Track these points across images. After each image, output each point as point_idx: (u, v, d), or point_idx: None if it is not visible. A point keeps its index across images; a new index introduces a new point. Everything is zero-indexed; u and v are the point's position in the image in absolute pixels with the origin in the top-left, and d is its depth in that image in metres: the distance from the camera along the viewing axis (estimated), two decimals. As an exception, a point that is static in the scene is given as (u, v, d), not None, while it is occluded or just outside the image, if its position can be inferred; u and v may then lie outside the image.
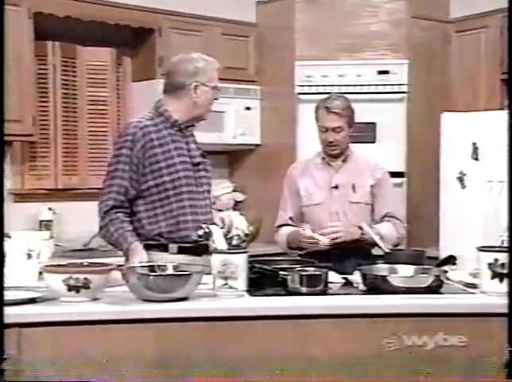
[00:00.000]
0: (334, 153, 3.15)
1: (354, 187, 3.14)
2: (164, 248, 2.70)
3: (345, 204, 3.13)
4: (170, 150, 2.73)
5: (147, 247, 2.67)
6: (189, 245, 2.69)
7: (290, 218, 3.22)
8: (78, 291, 2.08)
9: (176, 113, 2.76)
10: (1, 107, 1.98)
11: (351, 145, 3.21)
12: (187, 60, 2.77)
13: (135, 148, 2.68)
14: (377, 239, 2.92)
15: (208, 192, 2.83)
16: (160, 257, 2.63)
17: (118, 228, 2.65)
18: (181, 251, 2.70)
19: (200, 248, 2.64)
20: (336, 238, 3.00)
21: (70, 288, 2.07)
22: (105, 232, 2.69)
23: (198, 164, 2.79)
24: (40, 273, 2.25)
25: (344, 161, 3.19)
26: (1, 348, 1.90)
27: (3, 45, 2.00)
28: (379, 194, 3.17)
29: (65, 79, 4.25)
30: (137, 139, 2.68)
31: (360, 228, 3.02)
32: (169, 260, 2.51)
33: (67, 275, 2.08)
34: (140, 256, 2.59)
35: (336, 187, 3.14)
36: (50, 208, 4.10)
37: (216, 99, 2.77)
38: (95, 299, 2.12)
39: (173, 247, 2.71)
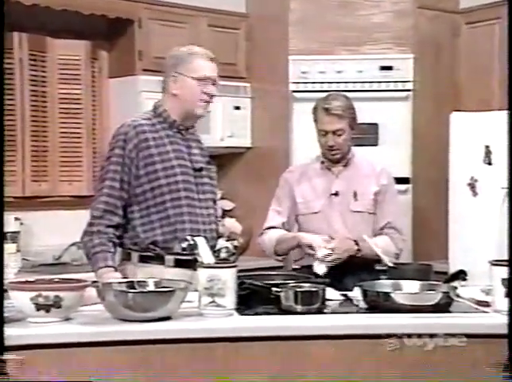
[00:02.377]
0: (335, 158, 3.17)
1: (355, 194, 3.15)
2: (160, 260, 2.71)
3: (345, 213, 3.14)
4: (168, 151, 2.75)
5: (143, 259, 2.69)
6: (189, 258, 2.68)
7: (283, 223, 3.22)
8: (48, 311, 2.08)
9: (172, 113, 2.80)
10: (1, 109, 1.99)
11: (353, 148, 3.23)
12: (172, 52, 2.83)
13: (127, 147, 2.70)
14: (379, 252, 2.93)
15: (213, 201, 2.85)
16: (158, 271, 2.64)
17: (101, 244, 2.67)
18: (179, 264, 2.71)
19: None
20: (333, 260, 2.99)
21: (39, 307, 2.07)
22: (87, 241, 2.70)
23: (200, 169, 2.81)
24: (6, 290, 2.24)
25: (345, 165, 3.20)
26: (1, 348, 1.93)
27: (3, 46, 2.00)
28: (382, 201, 3.19)
29: (34, 75, 4.25)
30: (130, 138, 2.71)
31: (355, 241, 3.03)
32: (165, 275, 2.52)
33: (35, 293, 2.07)
34: (108, 276, 2.57)
35: (336, 194, 3.16)
36: (17, 218, 4.09)
37: (207, 93, 2.76)
38: (67, 319, 2.12)
39: (170, 259, 2.72)
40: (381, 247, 3.05)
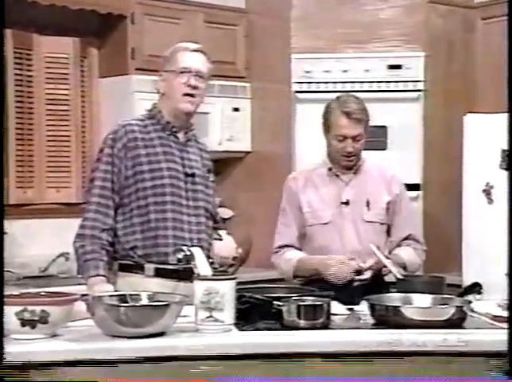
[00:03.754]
0: (350, 165, 3.16)
1: (368, 203, 3.14)
2: (140, 269, 2.73)
3: (358, 223, 3.13)
4: (157, 153, 2.78)
5: (123, 268, 2.71)
6: (170, 267, 2.71)
7: (297, 238, 3.19)
8: (34, 327, 2.08)
9: (165, 114, 2.84)
10: (1, 111, 2.00)
11: (362, 153, 3.23)
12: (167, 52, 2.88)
13: (116, 146, 2.75)
14: (388, 263, 2.94)
15: (206, 210, 2.85)
16: (138, 281, 2.66)
17: (94, 251, 2.69)
18: (160, 273, 2.72)
19: (184, 272, 2.65)
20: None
21: (24, 323, 2.07)
22: (79, 246, 2.72)
23: (193, 175, 2.82)
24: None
25: (355, 172, 3.19)
26: (1, 348, 1.94)
27: (3, 47, 2.01)
28: (398, 213, 3.18)
29: (19, 75, 4.25)
30: (119, 137, 2.76)
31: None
32: (145, 285, 2.54)
33: (20, 308, 2.07)
34: (99, 288, 2.59)
35: (347, 203, 3.15)
36: (0, 228, 4.10)
37: (188, 84, 2.76)
38: (54, 336, 2.12)
39: (150, 268, 2.73)
40: (406, 259, 3.08)
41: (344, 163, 3.16)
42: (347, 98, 3.17)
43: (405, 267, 3.09)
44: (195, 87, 2.78)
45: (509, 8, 2.29)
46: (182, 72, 2.78)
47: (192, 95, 2.79)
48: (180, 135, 2.86)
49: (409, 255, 3.16)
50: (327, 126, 3.14)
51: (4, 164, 2.04)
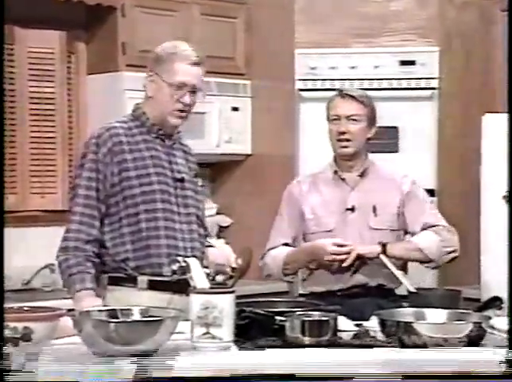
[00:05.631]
0: (345, 152, 3.16)
1: (375, 209, 3.15)
2: (132, 282, 2.73)
3: (363, 231, 3.15)
4: (144, 157, 2.79)
5: (112, 281, 2.72)
6: (164, 279, 2.71)
7: (285, 244, 3.23)
8: (16, 344, 2.07)
9: (151, 117, 2.83)
10: (1, 109, 2.01)
11: (370, 155, 3.24)
12: (159, 46, 2.86)
13: (101, 151, 2.75)
14: (399, 274, 2.94)
15: (197, 216, 2.87)
16: (130, 294, 2.66)
17: (79, 264, 2.69)
18: (153, 286, 2.73)
19: (180, 284, 2.66)
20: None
21: (6, 341, 2.07)
22: (62, 260, 2.73)
23: (182, 180, 2.83)
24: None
25: (362, 175, 3.20)
26: (1, 348, 1.96)
27: (3, 50, 2.02)
28: (409, 208, 3.19)
29: None
30: (103, 141, 2.75)
31: (384, 246, 3.04)
32: (138, 299, 2.54)
33: (2, 323, 2.08)
34: (87, 303, 2.59)
35: (352, 209, 3.16)
36: (-20, 237, 4.10)
37: (183, 102, 2.78)
38: (37, 355, 2.12)
39: (143, 280, 2.73)
40: (423, 245, 3.08)
41: (339, 151, 3.16)
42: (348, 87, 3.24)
43: (425, 256, 3.09)
44: (189, 105, 2.80)
45: (509, 8, 2.30)
46: (178, 87, 2.77)
47: (183, 111, 2.81)
48: (166, 139, 2.87)
49: (426, 238, 3.15)
50: (328, 112, 3.19)
51: (4, 166, 2.05)
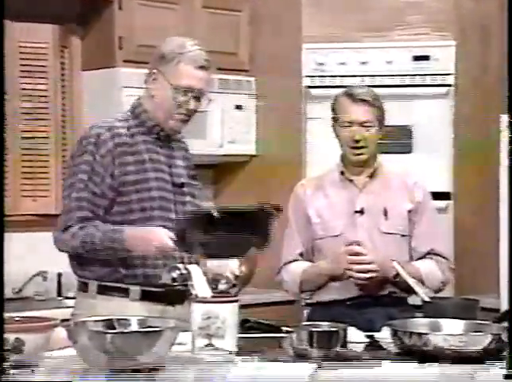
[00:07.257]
0: (360, 159, 3.16)
1: (386, 212, 3.15)
2: (124, 292, 2.73)
3: (374, 235, 3.14)
4: (144, 161, 2.78)
5: (103, 290, 2.72)
6: (158, 290, 2.71)
7: (300, 254, 3.23)
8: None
9: (152, 115, 2.82)
10: (1, 109, 2.02)
11: (380, 156, 3.24)
12: (165, 42, 2.84)
13: (99, 152, 2.73)
14: (413, 283, 2.93)
15: None
16: (121, 305, 2.66)
17: (106, 229, 2.69)
18: (146, 296, 2.72)
19: (174, 294, 2.66)
20: (370, 278, 3.02)
21: (-4, 352, 2.08)
22: (74, 232, 2.70)
23: (181, 185, 2.83)
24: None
25: (371, 177, 3.21)
26: (1, 349, 1.98)
27: (3, 48, 2.03)
28: (419, 224, 3.19)
29: (-10, 67, 4.28)
30: (103, 141, 2.74)
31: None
32: (127, 311, 2.55)
33: (-8, 334, 2.08)
34: (159, 239, 2.61)
35: (361, 212, 3.16)
36: (-32, 242, 4.11)
37: (186, 107, 2.78)
38: (29, 367, 2.12)
39: (135, 291, 2.74)
40: (425, 273, 3.08)
41: (353, 158, 3.16)
42: (355, 86, 3.24)
43: (422, 282, 3.09)
44: (192, 110, 2.80)
45: (509, 9, 2.31)
46: (182, 90, 2.76)
47: (186, 115, 2.81)
48: (166, 138, 2.87)
49: (429, 267, 3.16)
50: (335, 114, 3.18)
51: (4, 167, 2.08)
